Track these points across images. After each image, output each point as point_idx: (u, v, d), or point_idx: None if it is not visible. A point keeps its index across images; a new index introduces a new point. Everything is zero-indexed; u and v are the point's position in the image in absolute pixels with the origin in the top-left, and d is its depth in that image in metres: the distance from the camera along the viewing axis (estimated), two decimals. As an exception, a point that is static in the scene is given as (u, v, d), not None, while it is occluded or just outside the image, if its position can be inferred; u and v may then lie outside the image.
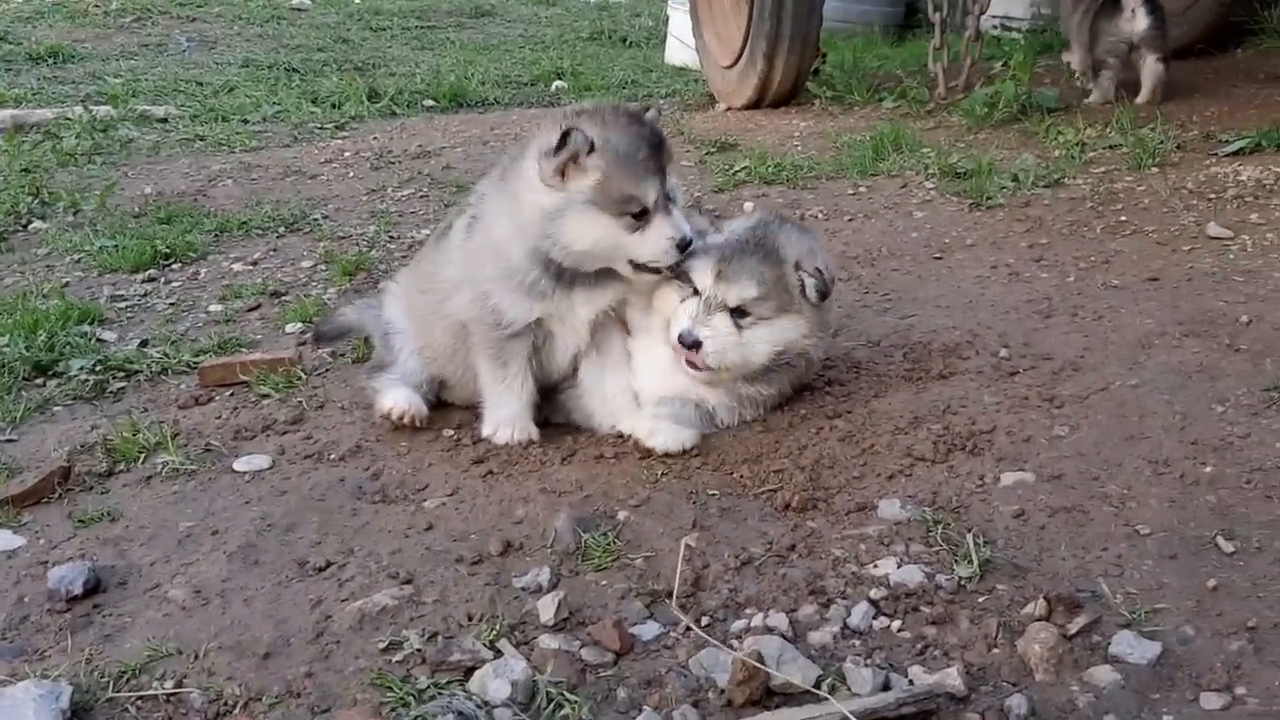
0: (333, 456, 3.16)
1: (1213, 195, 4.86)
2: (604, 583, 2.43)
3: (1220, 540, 2.36)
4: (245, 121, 8.84)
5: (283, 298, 4.68)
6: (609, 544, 2.56)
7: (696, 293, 3.01)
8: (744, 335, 3.01)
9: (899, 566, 2.38)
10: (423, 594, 2.41)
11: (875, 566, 2.40)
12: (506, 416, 3.16)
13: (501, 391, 3.15)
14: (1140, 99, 6.70)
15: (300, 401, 3.52)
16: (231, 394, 3.67)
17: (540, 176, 2.87)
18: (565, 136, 2.80)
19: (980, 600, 2.26)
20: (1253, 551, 2.33)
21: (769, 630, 2.20)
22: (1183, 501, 2.52)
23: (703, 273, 3.01)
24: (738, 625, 2.25)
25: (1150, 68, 6.67)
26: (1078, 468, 2.71)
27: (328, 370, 3.81)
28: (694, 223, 3.06)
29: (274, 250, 5.39)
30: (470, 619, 2.29)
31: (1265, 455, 2.68)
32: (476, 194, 3.23)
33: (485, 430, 3.17)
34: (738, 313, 3.00)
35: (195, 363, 3.91)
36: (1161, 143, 5.66)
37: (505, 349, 3.11)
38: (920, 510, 2.59)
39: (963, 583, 2.31)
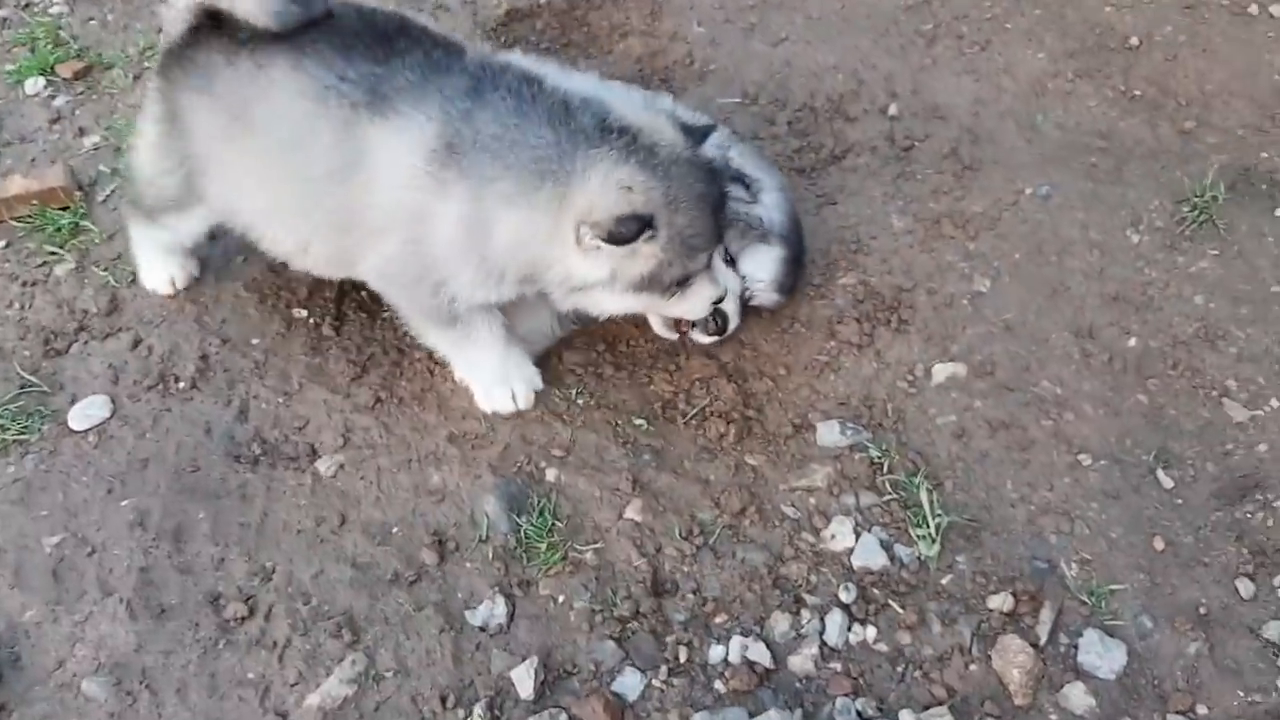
0: (181, 385, 2.71)
1: None
2: (561, 599, 2.31)
3: (1160, 474, 2.42)
4: None
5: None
6: (549, 527, 2.40)
7: None
8: None
9: (857, 538, 2.36)
10: (375, 657, 2.23)
11: (833, 538, 2.37)
12: None
13: None
14: None
15: (105, 275, 2.92)
16: (6, 255, 3.00)
17: (578, 243, 2.25)
18: (639, 227, 2.19)
19: (944, 583, 2.30)
20: (1189, 481, 2.41)
21: (751, 668, 2.19)
22: (1116, 404, 2.53)
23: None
24: (715, 654, 2.23)
25: None
26: (1007, 351, 2.64)
27: (114, 207, 3.10)
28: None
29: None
30: (444, 703, 2.17)
31: (1185, 317, 2.70)
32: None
33: None
34: None
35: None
36: None
37: None
38: (859, 434, 2.52)
39: (924, 560, 2.32)
